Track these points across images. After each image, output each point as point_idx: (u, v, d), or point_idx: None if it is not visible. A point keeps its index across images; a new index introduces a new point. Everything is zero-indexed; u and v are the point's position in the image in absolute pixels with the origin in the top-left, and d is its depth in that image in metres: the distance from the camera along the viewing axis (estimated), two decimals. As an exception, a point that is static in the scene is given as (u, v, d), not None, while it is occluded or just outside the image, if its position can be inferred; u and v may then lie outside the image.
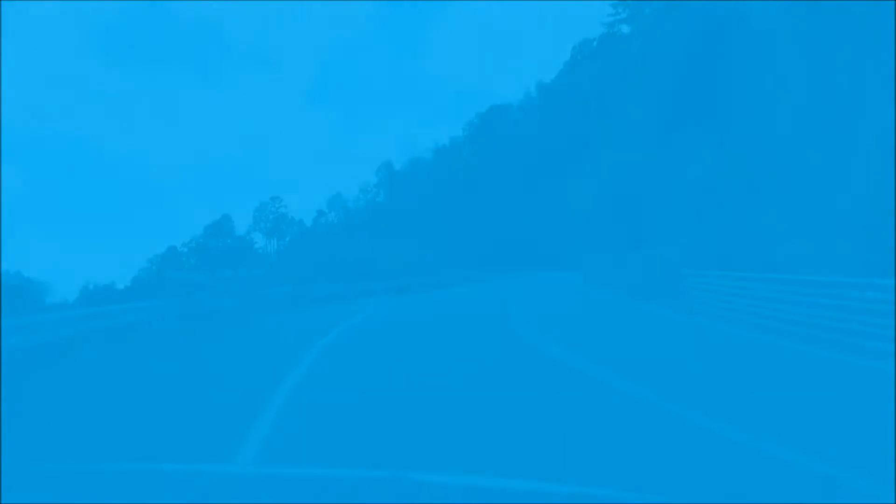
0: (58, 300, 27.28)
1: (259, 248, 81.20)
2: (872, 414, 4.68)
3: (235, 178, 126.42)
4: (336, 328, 12.20)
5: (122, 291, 54.25)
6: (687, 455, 3.89)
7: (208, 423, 5.07)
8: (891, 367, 6.23)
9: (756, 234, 13.81)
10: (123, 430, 4.84)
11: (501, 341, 9.93)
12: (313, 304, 19.91)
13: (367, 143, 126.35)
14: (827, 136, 12.27)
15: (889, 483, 2.76)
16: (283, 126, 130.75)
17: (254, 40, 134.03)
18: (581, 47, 57.15)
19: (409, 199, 69.34)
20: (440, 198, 65.23)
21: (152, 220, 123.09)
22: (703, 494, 3.16)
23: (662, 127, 21.50)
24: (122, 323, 10.15)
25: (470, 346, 9.47)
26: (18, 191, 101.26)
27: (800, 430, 4.32)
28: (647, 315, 13.81)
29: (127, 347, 9.38)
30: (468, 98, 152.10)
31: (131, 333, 9.95)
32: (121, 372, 8.03)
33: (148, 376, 7.80)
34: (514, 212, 59.00)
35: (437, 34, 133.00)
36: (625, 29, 29.85)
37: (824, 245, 11.25)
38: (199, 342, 11.23)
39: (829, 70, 12.57)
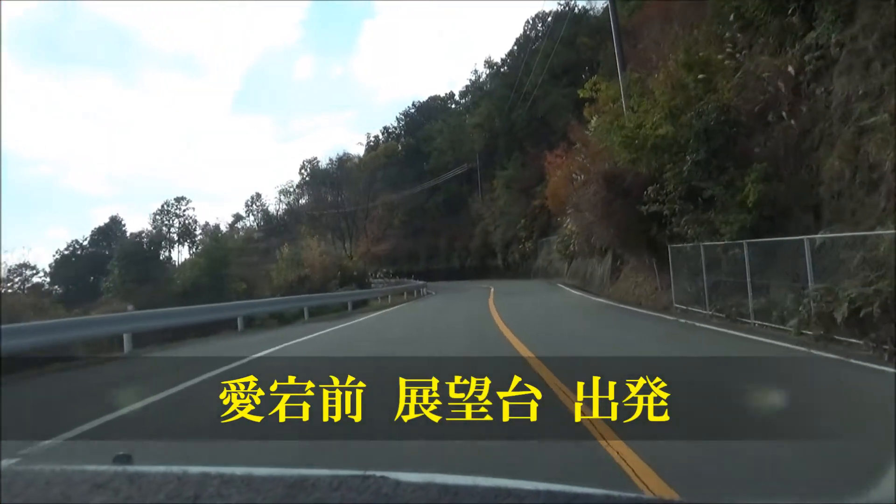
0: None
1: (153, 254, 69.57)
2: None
3: (155, 186, 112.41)
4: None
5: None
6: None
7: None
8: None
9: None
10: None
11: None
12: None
13: (295, 150, 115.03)
14: None
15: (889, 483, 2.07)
16: (207, 133, 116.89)
17: (176, 45, 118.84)
18: (534, 22, 50.82)
19: (336, 198, 60.11)
20: (373, 195, 56.61)
21: (69, 227, 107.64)
22: None
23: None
24: None
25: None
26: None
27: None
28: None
29: None
30: (403, 104, 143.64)
31: None
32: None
33: None
34: (461, 210, 50.51)
35: (369, 37, 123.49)
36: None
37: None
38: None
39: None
